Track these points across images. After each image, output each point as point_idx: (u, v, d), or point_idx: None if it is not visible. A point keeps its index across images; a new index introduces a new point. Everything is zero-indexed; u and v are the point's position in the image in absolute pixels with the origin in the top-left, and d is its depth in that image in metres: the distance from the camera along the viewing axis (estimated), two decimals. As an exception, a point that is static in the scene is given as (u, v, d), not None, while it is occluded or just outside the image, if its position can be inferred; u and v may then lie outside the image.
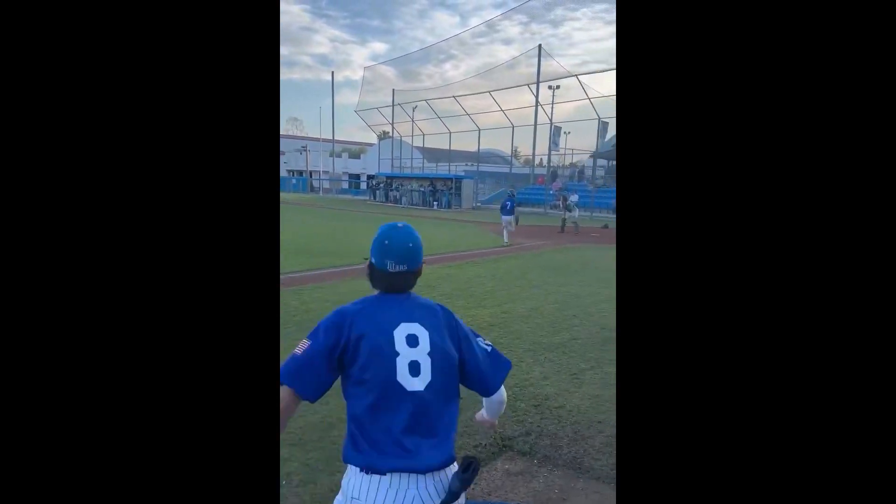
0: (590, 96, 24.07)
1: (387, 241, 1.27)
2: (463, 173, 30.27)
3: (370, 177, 36.58)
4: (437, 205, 26.70)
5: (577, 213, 15.34)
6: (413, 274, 1.29)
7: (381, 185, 32.03)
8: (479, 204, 28.37)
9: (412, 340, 1.20)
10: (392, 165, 36.15)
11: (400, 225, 1.32)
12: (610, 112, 24.36)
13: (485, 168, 33.07)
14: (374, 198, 32.06)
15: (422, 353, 1.19)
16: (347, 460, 1.18)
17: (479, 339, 1.33)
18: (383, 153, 37.98)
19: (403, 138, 35.82)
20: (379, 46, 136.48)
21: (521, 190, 27.88)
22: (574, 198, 15.83)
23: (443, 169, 32.94)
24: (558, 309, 5.63)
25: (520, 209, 25.50)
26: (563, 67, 27.14)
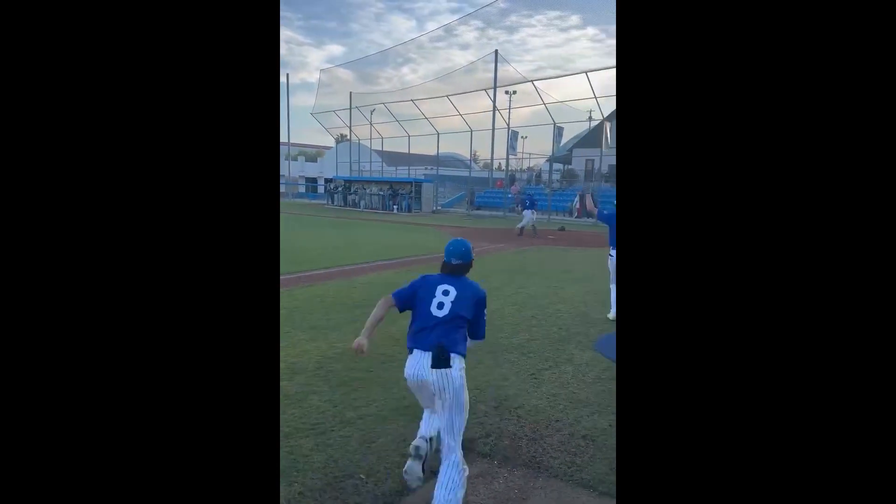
0: (545, 102, 24.64)
1: (450, 247, 2.40)
2: (423, 177, 30.27)
3: (328, 180, 35.94)
4: (398, 209, 26.56)
5: (534, 215, 15.64)
6: (464, 266, 2.39)
7: (339, 188, 31.55)
8: (439, 207, 28.44)
9: (445, 293, 2.26)
10: (350, 169, 35.70)
11: (457, 238, 2.46)
12: (564, 117, 25.02)
13: (444, 172, 33.22)
14: (332, 202, 31.53)
15: (448, 299, 2.24)
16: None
17: (484, 311, 2.37)
18: (341, 156, 37.45)
19: (362, 141, 35.45)
20: (335, 49, 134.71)
21: (480, 194, 28.19)
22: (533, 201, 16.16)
23: (402, 173, 32.83)
24: (517, 310, 5.71)
25: (478, 213, 25.57)
26: (518, 73, 27.68)
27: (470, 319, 2.27)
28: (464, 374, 2.19)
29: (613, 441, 2.82)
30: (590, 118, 28.09)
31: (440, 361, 2.13)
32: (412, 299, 2.29)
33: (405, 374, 2.21)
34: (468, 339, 2.34)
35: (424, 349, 2.16)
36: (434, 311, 2.21)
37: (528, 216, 14.99)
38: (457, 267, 2.34)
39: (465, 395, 2.20)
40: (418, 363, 2.16)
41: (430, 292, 2.26)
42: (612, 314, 5.44)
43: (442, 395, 2.14)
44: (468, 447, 2.74)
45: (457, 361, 2.16)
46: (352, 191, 30.65)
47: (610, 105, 24.37)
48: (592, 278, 7.71)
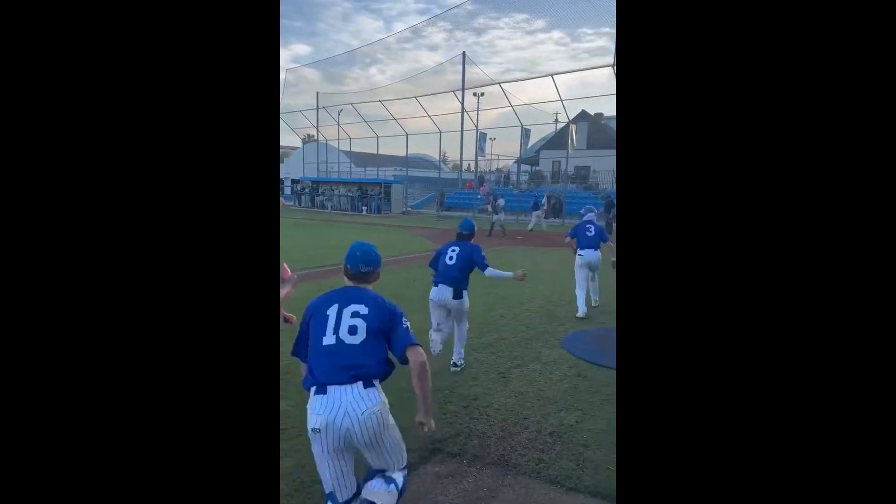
0: (512, 104, 24.94)
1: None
2: (392, 178, 30.12)
3: (294, 181, 35.25)
4: (367, 210, 26.32)
5: (503, 216, 15.80)
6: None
7: (307, 189, 31.02)
8: (408, 209, 28.35)
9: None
10: (318, 170, 35.15)
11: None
12: (531, 120, 25.38)
13: (414, 173, 33.15)
14: (299, 203, 30.96)
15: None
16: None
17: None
18: (308, 157, 36.81)
19: (329, 142, 34.96)
20: (301, 48, 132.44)
21: (450, 195, 28.27)
22: (501, 202, 16.31)
23: (371, 174, 32.57)
24: (487, 311, 5.77)
25: (448, 213, 25.60)
26: (486, 75, 27.90)
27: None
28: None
29: (579, 437, 2.89)
30: (556, 120, 28.64)
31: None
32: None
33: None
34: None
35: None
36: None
37: (536, 217, 15.51)
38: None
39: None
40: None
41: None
42: (580, 313, 5.62)
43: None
44: (437, 447, 2.76)
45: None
46: (319, 192, 30.18)
47: (575, 108, 24.91)
48: (559, 278, 7.85)
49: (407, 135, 30.16)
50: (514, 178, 31.42)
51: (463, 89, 26.16)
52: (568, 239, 5.99)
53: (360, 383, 1.69)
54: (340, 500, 1.77)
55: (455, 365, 3.95)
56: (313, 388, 1.73)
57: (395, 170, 33.37)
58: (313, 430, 1.68)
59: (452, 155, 34.51)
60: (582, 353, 4.38)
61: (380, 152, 32.37)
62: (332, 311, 1.80)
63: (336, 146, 34.75)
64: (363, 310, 1.80)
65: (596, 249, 5.71)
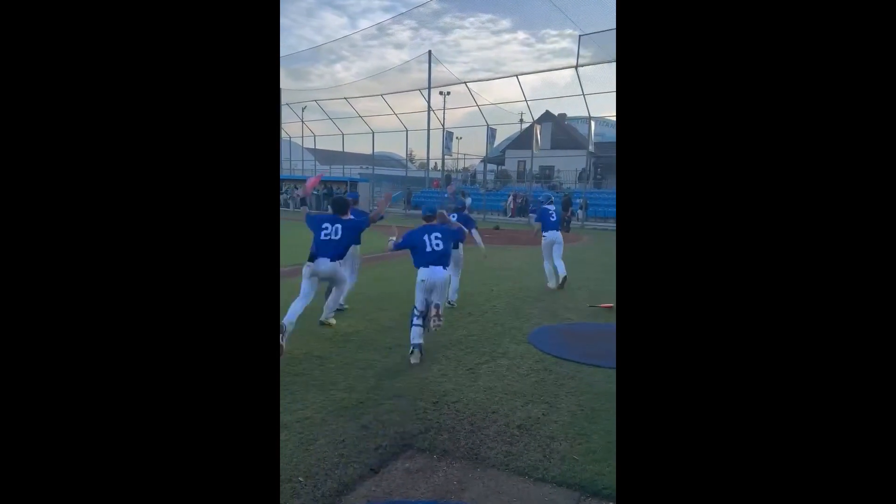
0: (478, 103, 25.15)
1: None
2: (358, 176, 29.79)
3: (257, 179, 34.22)
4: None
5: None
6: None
7: (270, 187, 30.23)
8: (375, 207, 28.13)
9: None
10: (281, 167, 34.35)
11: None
12: (496, 119, 25.64)
13: (380, 171, 32.91)
14: (263, 201, 30.11)
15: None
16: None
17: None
18: (271, 154, 35.83)
19: (293, 139, 34.23)
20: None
21: (418, 193, 28.23)
22: (468, 200, 16.44)
23: (336, 172, 32.10)
24: (456, 308, 5.82)
25: (416, 212, 25.49)
26: (452, 74, 28.00)
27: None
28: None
29: (546, 429, 2.97)
30: (521, 120, 29.05)
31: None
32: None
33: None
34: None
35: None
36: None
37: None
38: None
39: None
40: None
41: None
42: (550, 284, 6.89)
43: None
44: (407, 443, 2.78)
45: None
46: (283, 190, 29.53)
47: (539, 108, 25.32)
48: (525, 275, 7.99)
49: (373, 132, 29.88)
50: (480, 177, 31.68)
51: (429, 88, 26.18)
52: (534, 223, 7.31)
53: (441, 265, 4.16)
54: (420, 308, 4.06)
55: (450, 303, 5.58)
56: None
57: (361, 167, 33.03)
58: (421, 280, 4.12)
59: (419, 153, 34.48)
60: (547, 347, 4.50)
61: (345, 150, 31.97)
62: (426, 237, 4.21)
63: (300, 143, 34.07)
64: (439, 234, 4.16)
65: (558, 230, 7.03)
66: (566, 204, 16.77)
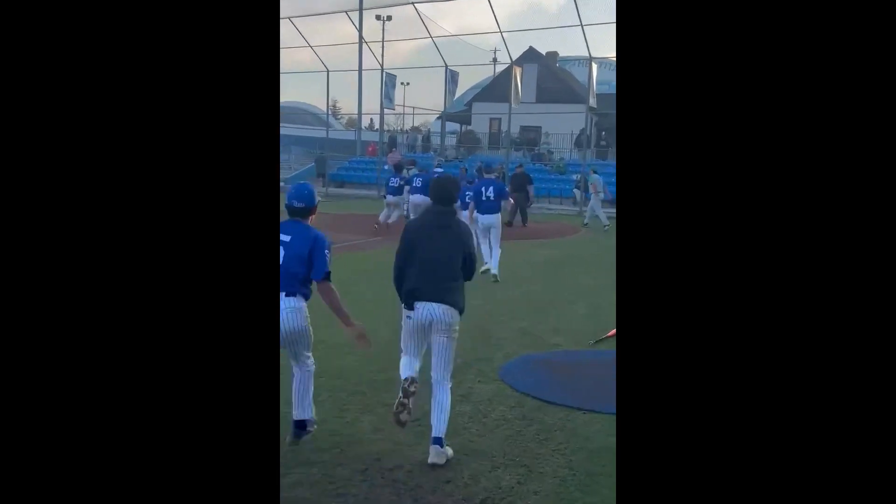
0: (433, 35, 25.08)
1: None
2: (255, 137, 29.11)
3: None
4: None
5: (419, 197, 15.88)
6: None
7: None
8: (282, 184, 27.64)
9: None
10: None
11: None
12: (459, 59, 25.61)
13: (290, 130, 32.23)
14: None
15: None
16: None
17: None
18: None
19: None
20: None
21: (344, 163, 27.90)
22: (413, 173, 16.37)
23: (224, 130, 31.26)
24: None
25: (340, 191, 25.12)
26: (395, -9, 27.78)
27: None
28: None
29: None
30: (494, 60, 29.26)
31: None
32: None
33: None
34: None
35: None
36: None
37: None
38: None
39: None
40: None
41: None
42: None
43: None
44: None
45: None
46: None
47: (521, 43, 25.43)
48: (498, 286, 8.10)
49: (279, 73, 29.31)
50: (436, 140, 31.57)
51: (361, 9, 25.94)
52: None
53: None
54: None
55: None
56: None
57: (262, 125, 32.28)
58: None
59: (347, 106, 33.94)
60: (527, 386, 4.57)
61: (237, 99, 31.14)
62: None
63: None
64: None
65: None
66: (520, 184, 15.96)
